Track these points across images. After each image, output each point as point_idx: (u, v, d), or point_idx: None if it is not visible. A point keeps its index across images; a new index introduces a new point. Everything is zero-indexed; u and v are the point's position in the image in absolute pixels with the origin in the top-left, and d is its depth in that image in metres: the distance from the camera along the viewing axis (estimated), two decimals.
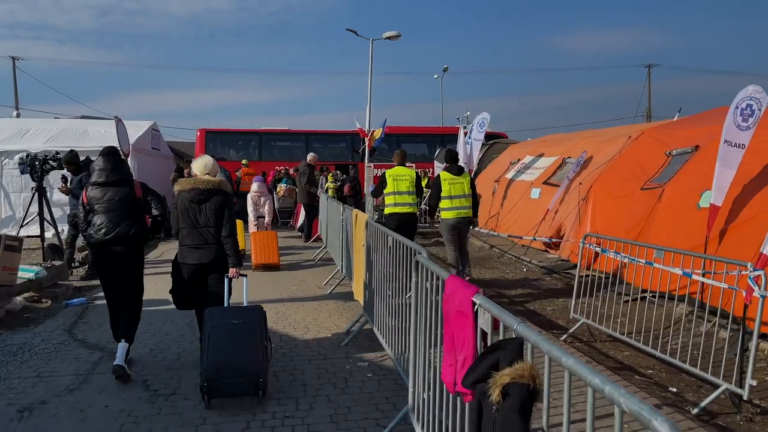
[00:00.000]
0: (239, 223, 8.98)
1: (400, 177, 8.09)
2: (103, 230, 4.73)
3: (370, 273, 5.42)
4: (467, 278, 8.26)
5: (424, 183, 11.98)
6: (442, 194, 7.96)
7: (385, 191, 8.13)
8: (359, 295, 6.14)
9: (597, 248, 6.44)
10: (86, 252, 10.17)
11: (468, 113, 35.79)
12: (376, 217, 13.76)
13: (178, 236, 4.94)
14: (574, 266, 10.22)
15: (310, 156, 13.33)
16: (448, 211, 8.03)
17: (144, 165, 15.43)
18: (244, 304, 4.80)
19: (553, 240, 10.54)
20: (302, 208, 14.96)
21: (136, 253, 5.00)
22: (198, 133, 22.29)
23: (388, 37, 20.81)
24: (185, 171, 16.58)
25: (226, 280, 4.87)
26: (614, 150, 10.81)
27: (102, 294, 7.67)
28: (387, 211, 8.17)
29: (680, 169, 8.39)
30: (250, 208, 11.17)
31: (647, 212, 8.46)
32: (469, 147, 14.36)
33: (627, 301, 7.49)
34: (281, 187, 17.03)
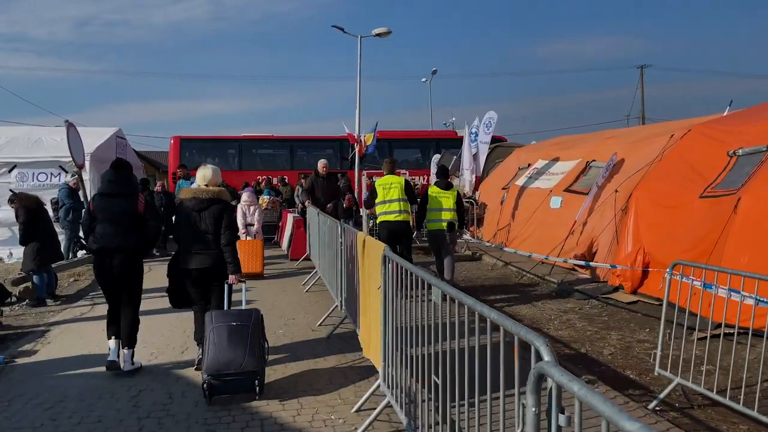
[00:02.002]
0: None
1: (389, 185, 8.21)
2: (105, 239, 4.97)
3: (395, 337, 3.70)
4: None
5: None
6: (428, 207, 8.32)
7: (376, 200, 8.28)
8: (372, 354, 4.44)
9: (697, 282, 4.75)
10: (26, 285, 8.34)
11: (454, 119, 34.41)
12: (371, 224, 12.19)
13: (179, 242, 5.14)
14: (616, 290, 8.61)
15: (318, 163, 10.76)
16: (432, 223, 8.37)
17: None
18: (243, 307, 5.15)
19: (583, 262, 8.89)
20: (287, 223, 13.23)
21: (135, 263, 5.15)
22: (171, 141, 20.40)
23: (378, 34, 19.22)
24: (160, 183, 14.82)
25: (226, 285, 5.09)
26: (653, 151, 9.24)
27: (28, 347, 6.01)
28: (378, 219, 8.42)
29: (756, 171, 6.81)
30: (239, 217, 10.86)
31: (715, 226, 6.86)
32: (474, 151, 12.72)
33: (702, 339, 5.93)
34: (263, 199, 15.24)
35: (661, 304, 7.77)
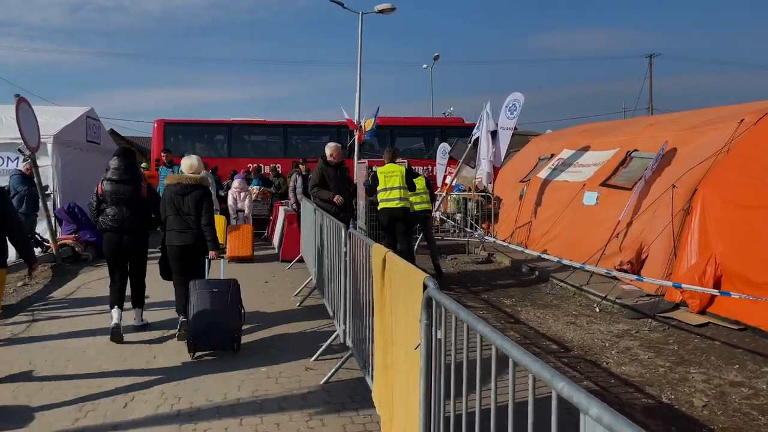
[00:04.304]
0: (222, 219, 10.25)
1: (390, 173, 8.45)
2: (115, 220, 5.60)
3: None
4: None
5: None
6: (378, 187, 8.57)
7: (377, 188, 8.50)
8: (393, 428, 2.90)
9: None
10: None
11: (452, 109, 32.97)
12: (372, 215, 10.74)
13: (165, 222, 5.73)
14: (676, 307, 7.10)
15: (327, 147, 8.22)
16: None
17: (74, 162, 11.94)
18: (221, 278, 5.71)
19: (669, 283, 7.32)
20: (278, 218, 11.66)
21: (141, 241, 5.84)
22: (155, 125, 18.75)
23: (381, 11, 17.60)
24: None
25: (206, 260, 5.77)
26: (717, 139, 7.71)
27: None
28: (379, 207, 8.65)
29: None
30: (230, 203, 11.57)
31: None
32: (491, 138, 11.15)
33: None
34: (253, 189, 13.66)
35: (743, 329, 6.35)
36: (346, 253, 4.54)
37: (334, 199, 7.65)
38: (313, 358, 4.96)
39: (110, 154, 14.68)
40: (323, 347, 4.99)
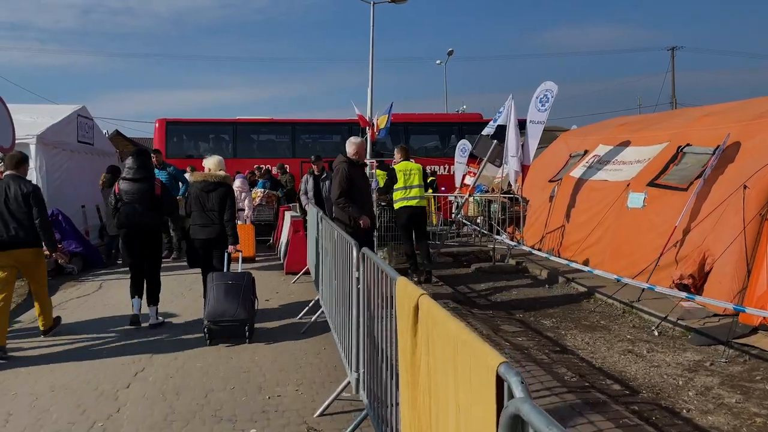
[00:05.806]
0: None
1: (409, 172, 8.28)
2: (130, 217, 5.88)
3: None
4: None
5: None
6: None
7: (395, 186, 8.26)
8: None
9: None
10: None
11: (465, 106, 31.81)
12: (378, 212, 9.65)
13: (190, 217, 6.25)
14: (754, 331, 5.95)
15: (351, 144, 6.43)
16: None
17: (61, 165, 10.99)
18: (238, 271, 6.09)
19: (682, 294, 6.20)
20: (284, 224, 10.61)
21: (155, 236, 6.21)
22: (156, 124, 17.79)
23: (393, 0, 16.53)
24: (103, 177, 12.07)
25: (226, 254, 6.14)
26: None
27: None
28: (397, 205, 8.39)
29: None
30: None
31: None
32: (517, 133, 10.06)
33: None
34: (257, 192, 12.61)
35: None
36: (358, 279, 3.47)
37: (361, 222, 6.16)
38: (318, 413, 3.87)
39: (105, 155, 13.85)
40: (331, 399, 3.90)
